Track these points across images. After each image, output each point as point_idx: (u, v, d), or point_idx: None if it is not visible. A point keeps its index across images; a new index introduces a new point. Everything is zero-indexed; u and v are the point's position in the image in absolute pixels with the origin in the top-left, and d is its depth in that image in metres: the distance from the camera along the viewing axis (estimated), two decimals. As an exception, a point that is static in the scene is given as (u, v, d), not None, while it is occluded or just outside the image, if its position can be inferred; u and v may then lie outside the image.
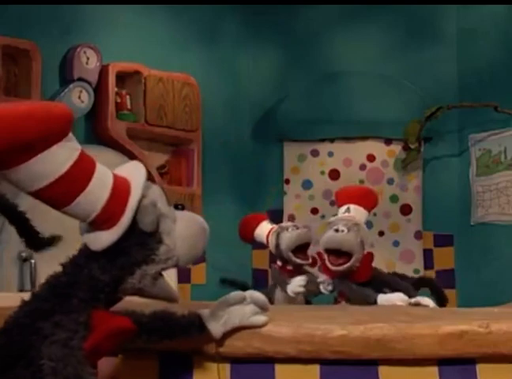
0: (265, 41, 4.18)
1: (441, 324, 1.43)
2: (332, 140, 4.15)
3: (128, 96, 3.55)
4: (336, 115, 4.11)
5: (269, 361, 1.45)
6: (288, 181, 4.16)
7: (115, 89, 3.49)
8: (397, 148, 4.11)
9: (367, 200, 2.51)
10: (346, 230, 2.33)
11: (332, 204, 4.07)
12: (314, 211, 4.17)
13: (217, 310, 1.37)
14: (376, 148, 4.14)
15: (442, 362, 1.43)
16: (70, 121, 1.11)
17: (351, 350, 1.43)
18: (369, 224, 4.01)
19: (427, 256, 4.09)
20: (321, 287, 2.43)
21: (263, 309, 1.40)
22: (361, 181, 4.14)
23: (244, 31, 4.09)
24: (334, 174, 4.13)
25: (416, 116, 3.98)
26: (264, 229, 2.75)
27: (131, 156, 3.46)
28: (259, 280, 4.09)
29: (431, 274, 4.05)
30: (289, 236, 2.59)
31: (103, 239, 1.12)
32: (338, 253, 2.33)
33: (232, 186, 4.04)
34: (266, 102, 4.21)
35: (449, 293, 3.51)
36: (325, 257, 2.36)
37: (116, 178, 1.16)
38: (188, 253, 1.22)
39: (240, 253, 4.03)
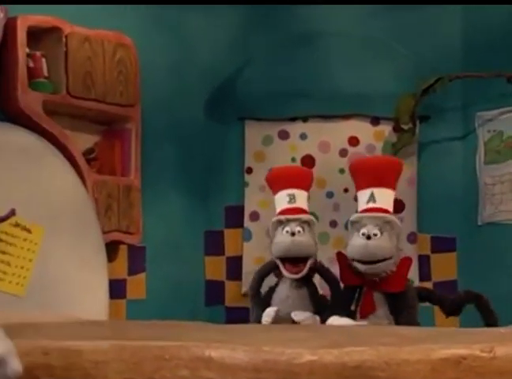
0: (220, -7, 4.24)
1: (435, 348, 1.45)
2: (305, 119, 4.17)
3: (44, 59, 3.49)
4: (310, 88, 4.13)
5: (220, 395, 1.49)
6: (250, 170, 4.18)
7: (27, 50, 3.42)
8: (386, 128, 4.15)
9: (397, 178, 2.59)
10: (379, 234, 2.45)
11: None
12: None
13: None
14: (360, 128, 4.17)
15: (435, 395, 1.51)
16: None
17: (323, 381, 1.48)
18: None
19: (423, 264, 4.11)
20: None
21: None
22: (341, 171, 4.15)
23: (194, -21, 4.15)
24: (308, 162, 4.15)
25: (409, 89, 3.99)
26: (279, 202, 2.71)
27: (49, 137, 3.41)
28: (214, 295, 4.09)
29: (428, 286, 4.05)
30: (277, 241, 2.65)
31: None
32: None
33: (180, 176, 4.05)
34: (222, 70, 4.19)
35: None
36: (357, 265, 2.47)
37: None
38: None
39: (190, 259, 4.04)
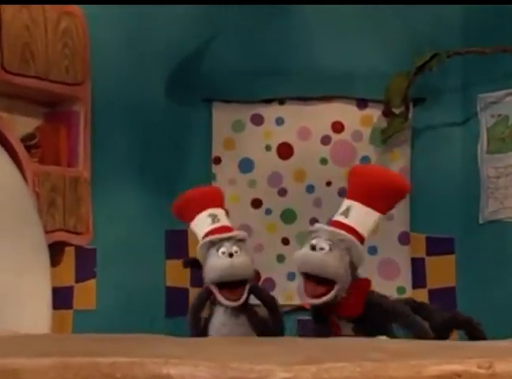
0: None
1: (425, 364, 1.46)
2: (282, 102, 4.17)
3: (-28, 29, 3.43)
4: (287, 65, 4.14)
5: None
6: (218, 161, 4.17)
7: (-49, 18, 3.39)
8: (374, 112, 4.16)
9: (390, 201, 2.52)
10: (327, 249, 2.41)
11: (283, 193, 4.12)
12: (257, 203, 4.16)
13: None
14: (345, 112, 4.17)
15: (425, 417, 1.46)
16: None
17: (298, 402, 1.43)
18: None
19: (417, 268, 4.11)
20: None
21: None
22: (323, 161, 4.14)
23: None
24: (285, 150, 4.15)
25: (402, 67, 4.01)
26: (201, 225, 2.72)
27: (-19, 120, 3.38)
28: (176, 304, 4.05)
29: (423, 294, 4.07)
30: (213, 264, 2.62)
31: None
32: (318, 279, 2.43)
33: (136, 167, 4.05)
34: (186, 45, 4.17)
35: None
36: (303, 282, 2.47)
37: None
38: None
39: (148, 263, 4.02)
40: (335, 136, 4.15)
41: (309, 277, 2.42)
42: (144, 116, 4.04)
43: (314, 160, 4.12)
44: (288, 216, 4.12)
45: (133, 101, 4.00)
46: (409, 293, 4.04)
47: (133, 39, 4.03)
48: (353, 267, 2.42)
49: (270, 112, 4.14)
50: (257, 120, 4.15)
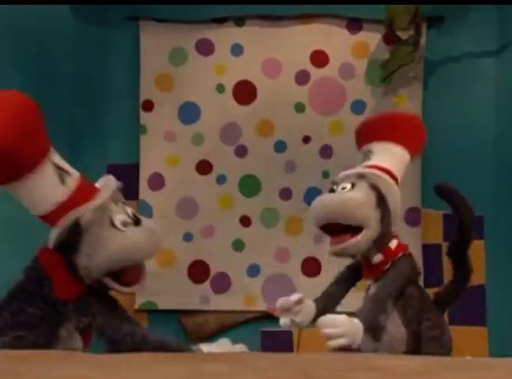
0: None
1: None
2: (240, 22, 4.22)
3: None
4: None
5: None
6: (148, 106, 4.20)
7: None
8: (371, 37, 4.21)
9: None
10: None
11: (241, 152, 4.13)
12: (204, 167, 4.16)
13: None
14: (330, 37, 4.22)
15: None
16: None
17: None
18: (317, 192, 4.02)
19: (431, 258, 4.15)
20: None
21: None
22: (299, 106, 4.15)
23: None
24: (245, 91, 4.19)
25: None
26: None
27: None
28: None
29: None
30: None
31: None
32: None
33: None
34: None
35: (476, 331, 3.84)
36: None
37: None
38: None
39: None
40: (316, 72, 4.20)
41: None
42: (43, 40, 4.09)
43: (286, 106, 4.18)
44: (249, 186, 4.16)
45: (25, 19, 4.03)
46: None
47: None
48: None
49: (224, 37, 4.19)
50: (205, 48, 4.19)
